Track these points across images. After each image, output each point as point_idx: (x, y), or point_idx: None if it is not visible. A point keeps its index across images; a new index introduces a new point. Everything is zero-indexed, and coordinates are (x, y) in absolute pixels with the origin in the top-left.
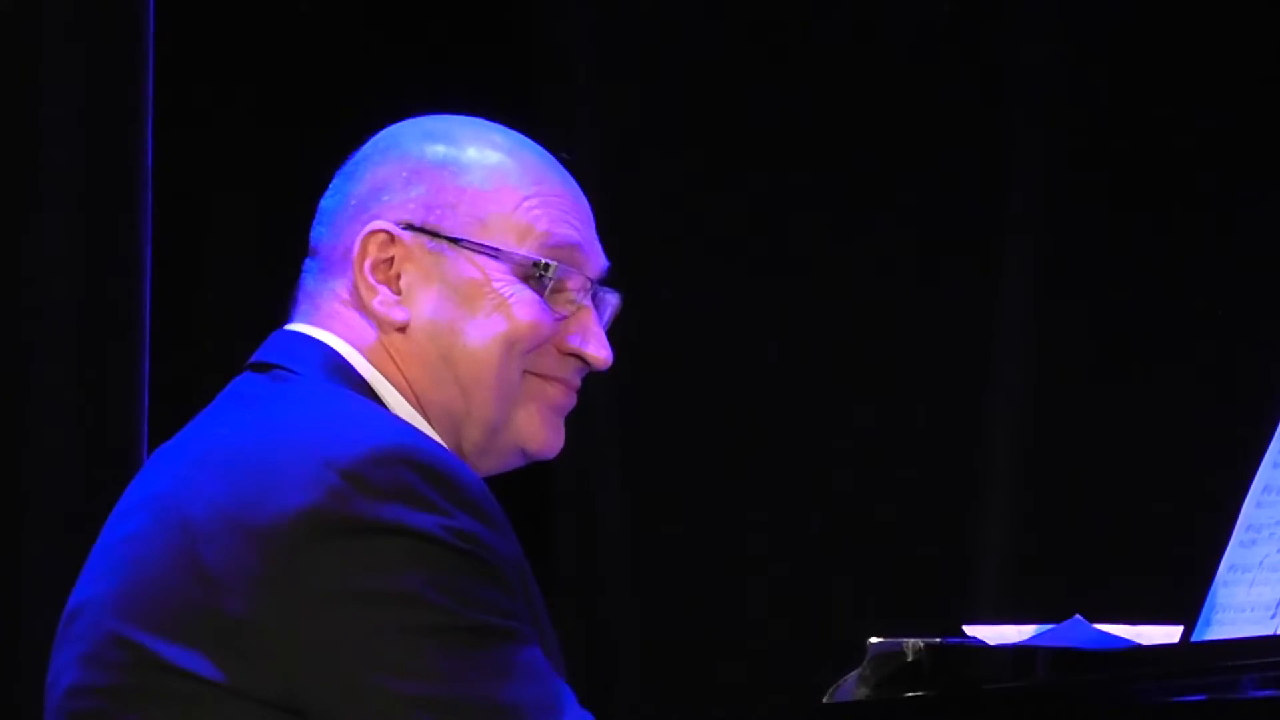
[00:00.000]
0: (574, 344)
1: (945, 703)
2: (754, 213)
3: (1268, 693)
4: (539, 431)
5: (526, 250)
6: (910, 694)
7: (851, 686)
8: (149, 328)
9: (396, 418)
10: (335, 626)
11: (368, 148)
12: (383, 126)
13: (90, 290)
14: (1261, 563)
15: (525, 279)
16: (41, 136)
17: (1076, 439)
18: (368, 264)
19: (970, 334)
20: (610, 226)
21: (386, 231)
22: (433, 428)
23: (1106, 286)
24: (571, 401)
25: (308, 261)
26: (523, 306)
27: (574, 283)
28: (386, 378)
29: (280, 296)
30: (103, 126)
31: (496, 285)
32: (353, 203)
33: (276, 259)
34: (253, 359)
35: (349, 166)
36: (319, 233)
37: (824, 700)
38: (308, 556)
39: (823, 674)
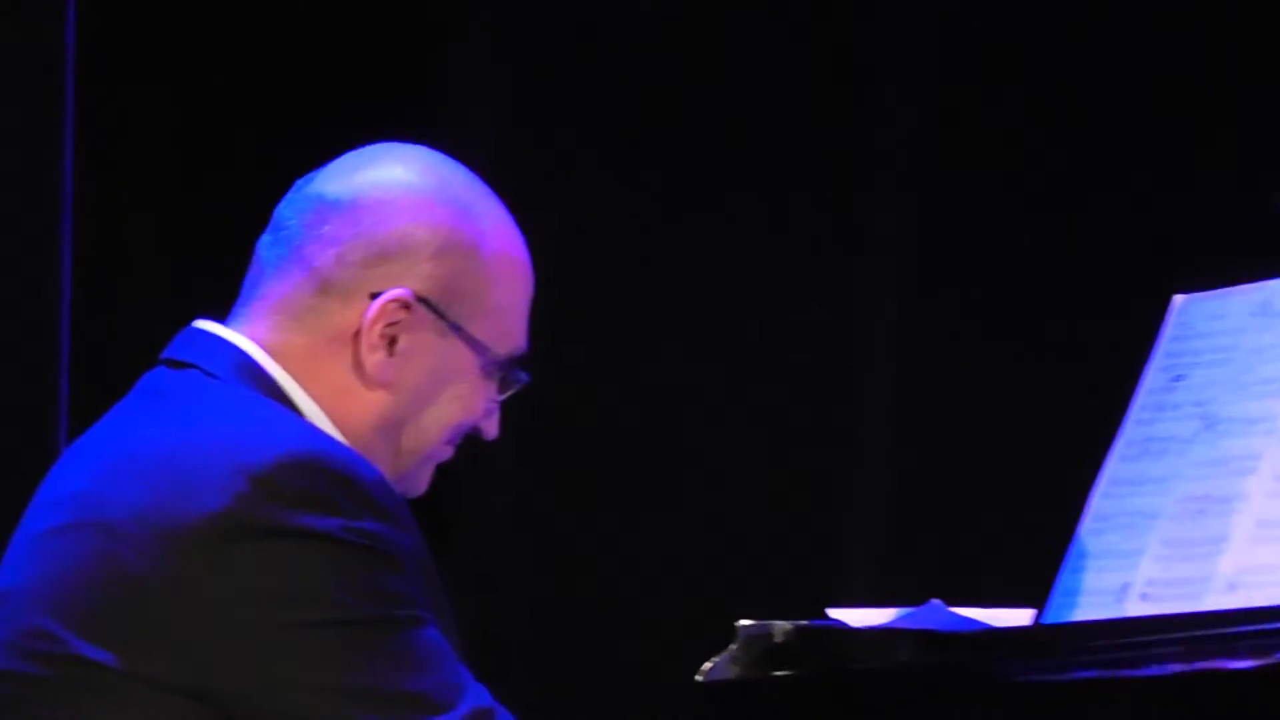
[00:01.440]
0: (481, 423)
1: (810, 681)
2: (630, 217)
3: (1114, 673)
4: (424, 485)
5: (504, 353)
6: (778, 673)
7: (723, 665)
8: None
9: (305, 423)
10: (247, 624)
11: (401, 179)
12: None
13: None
14: (1108, 550)
15: (487, 375)
16: None
17: (935, 437)
18: (381, 324)
19: (834, 337)
20: None
21: (405, 300)
22: (344, 440)
23: (970, 280)
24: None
25: (271, 250)
26: (477, 402)
27: (506, 376)
28: (314, 399)
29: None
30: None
31: (468, 376)
32: (376, 243)
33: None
34: (167, 354)
35: (370, 192)
36: (312, 239)
37: (697, 678)
38: (220, 558)
39: (697, 655)
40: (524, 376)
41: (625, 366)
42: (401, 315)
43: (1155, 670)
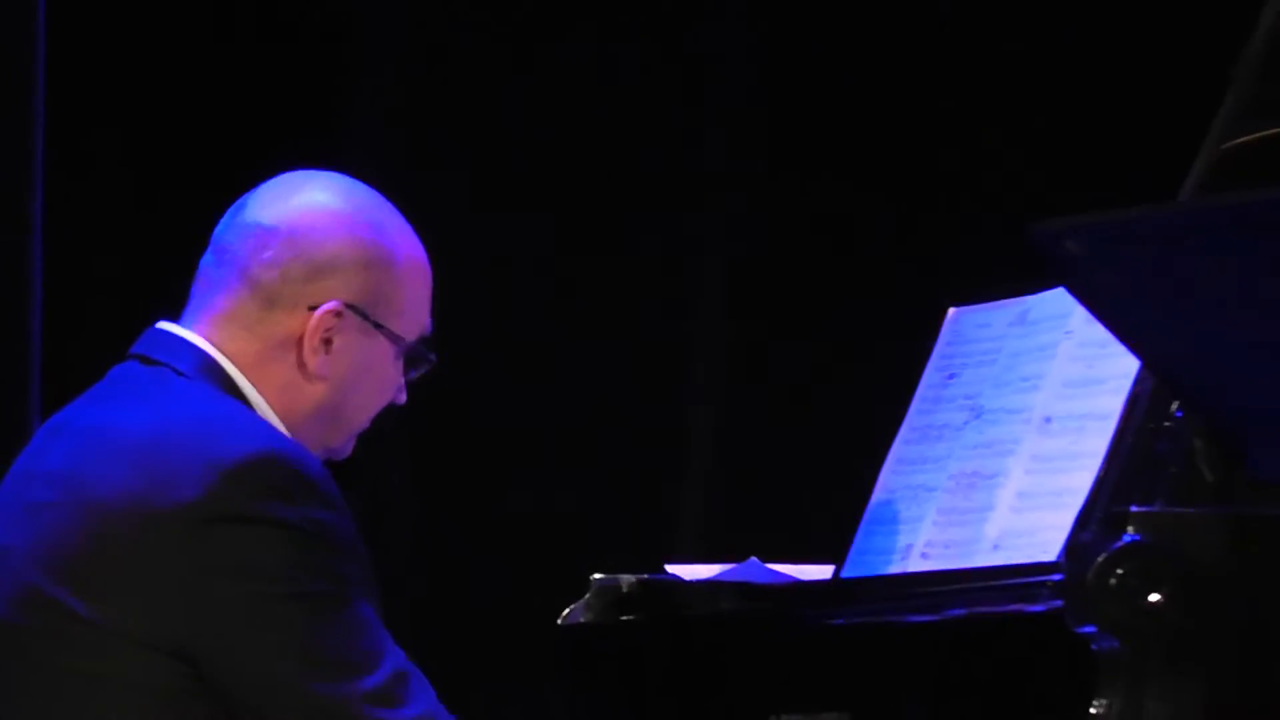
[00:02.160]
0: (393, 397)
1: (650, 625)
2: (494, 228)
3: (899, 618)
4: (349, 451)
5: (415, 340)
6: (624, 618)
7: (579, 611)
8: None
9: (263, 421)
10: (216, 594)
11: (324, 205)
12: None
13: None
14: (895, 517)
15: (399, 358)
16: None
17: (756, 426)
18: (321, 329)
19: (672, 327)
20: None
21: (336, 311)
22: (287, 431)
23: (790, 294)
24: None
25: (215, 268)
26: (395, 385)
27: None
28: (263, 396)
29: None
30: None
31: (388, 365)
32: (312, 265)
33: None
34: (136, 350)
35: (302, 221)
36: (255, 262)
37: (558, 622)
38: (196, 539)
39: (558, 604)
40: (432, 357)
41: (495, 359)
42: (335, 321)
43: (932, 615)
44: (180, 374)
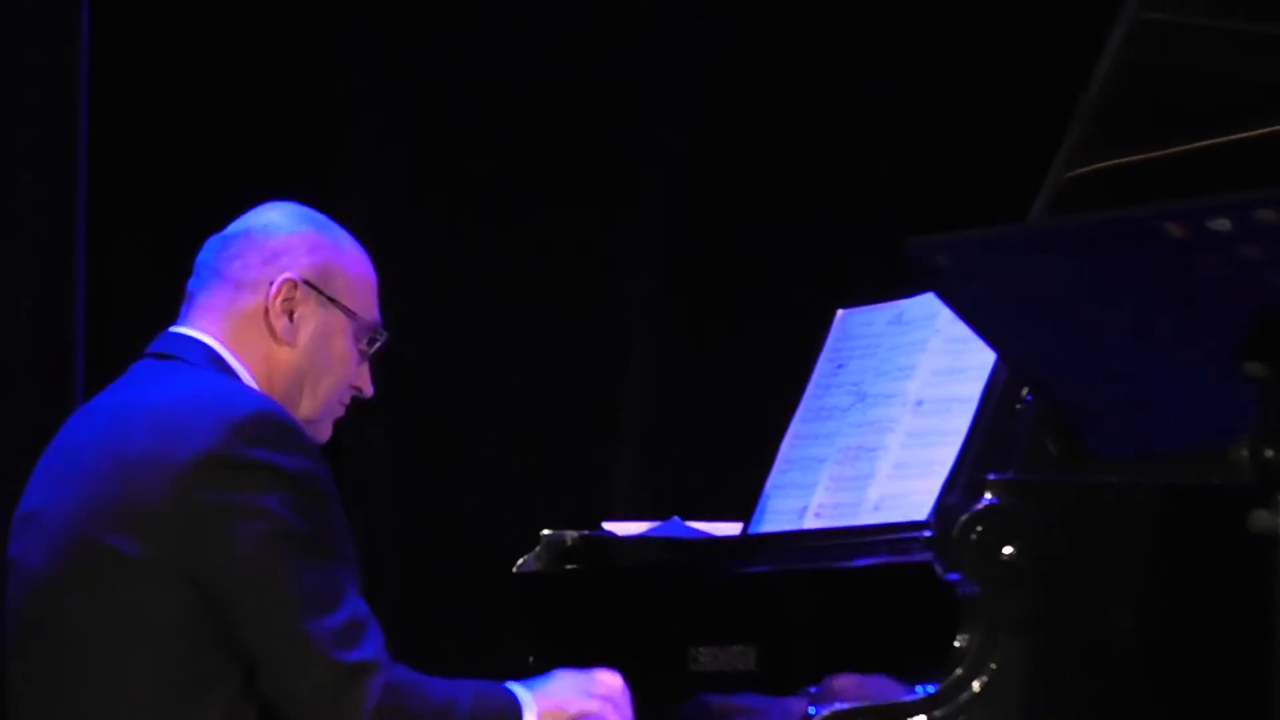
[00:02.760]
0: (358, 384)
1: (590, 574)
2: (459, 246)
3: (796, 566)
4: (326, 434)
5: (367, 319)
6: (568, 567)
7: (531, 562)
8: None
9: (253, 389)
10: (220, 528)
11: (275, 220)
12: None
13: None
14: (792, 484)
15: (356, 337)
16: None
17: (675, 410)
18: (280, 299)
19: (609, 311)
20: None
21: (292, 280)
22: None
23: (708, 294)
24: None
25: (201, 284)
26: (351, 360)
27: (371, 345)
28: (248, 368)
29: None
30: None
31: (345, 336)
32: (267, 252)
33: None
34: (152, 349)
35: (259, 229)
36: (224, 264)
37: (513, 571)
38: (205, 482)
39: (513, 556)
40: (384, 334)
41: (460, 354)
42: (294, 293)
43: (824, 564)
44: (189, 364)
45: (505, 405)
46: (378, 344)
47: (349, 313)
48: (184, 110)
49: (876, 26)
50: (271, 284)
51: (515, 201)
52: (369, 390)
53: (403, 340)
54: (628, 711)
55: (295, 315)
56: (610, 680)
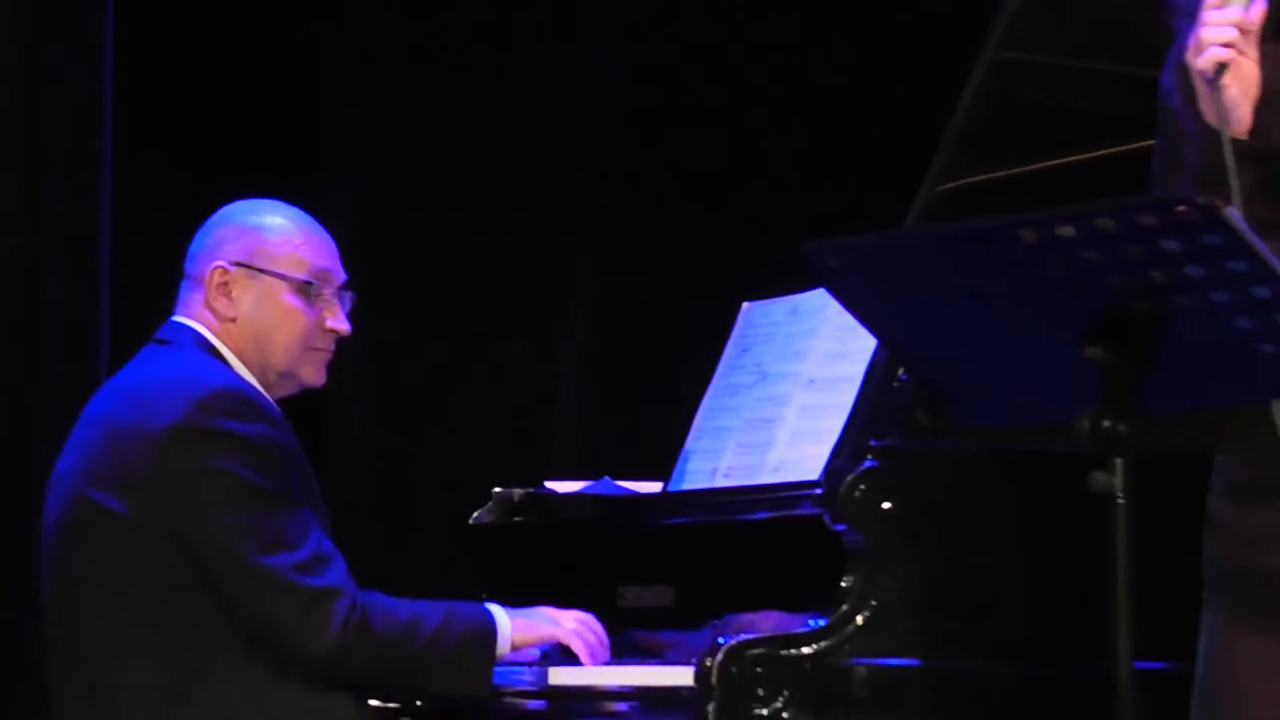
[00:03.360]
0: (330, 324)
1: (534, 525)
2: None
3: (707, 518)
4: (314, 377)
5: (300, 275)
6: (516, 519)
7: (484, 514)
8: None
9: (227, 369)
10: (190, 488)
11: (215, 219)
12: (222, 196)
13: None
14: (705, 450)
15: (299, 293)
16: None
17: (613, 376)
18: (215, 285)
19: (554, 303)
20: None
21: (223, 267)
22: (252, 374)
23: (645, 280)
24: (330, 357)
25: (183, 282)
26: (297, 312)
27: (327, 291)
28: (227, 346)
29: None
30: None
31: (287, 296)
32: (206, 249)
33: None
34: (156, 335)
35: (204, 230)
36: (189, 266)
37: (469, 522)
38: (176, 449)
39: (469, 509)
40: (330, 279)
41: (425, 338)
42: (227, 276)
43: (731, 517)
44: (178, 347)
45: (463, 380)
46: (327, 288)
47: (278, 276)
48: (214, 104)
49: (785, 67)
50: (205, 274)
51: (473, 198)
52: (344, 328)
53: (379, 323)
54: (603, 636)
55: (233, 292)
56: (583, 615)
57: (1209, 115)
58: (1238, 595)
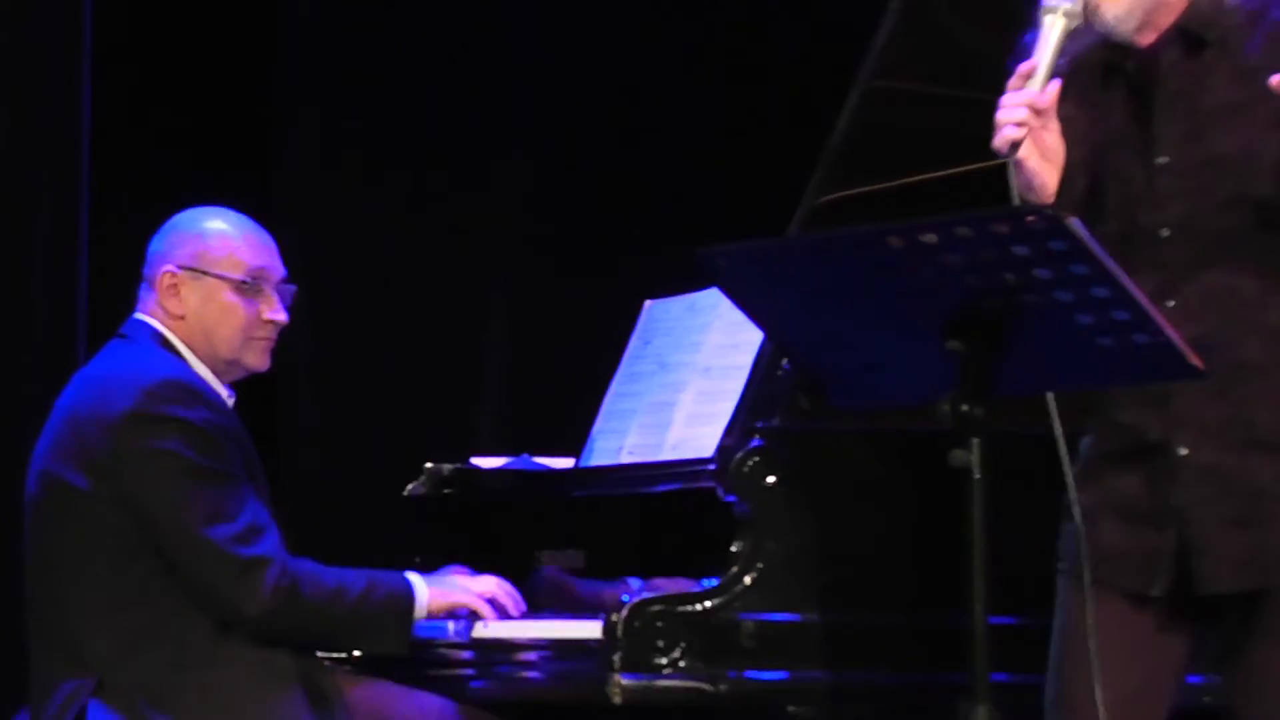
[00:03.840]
0: (268, 316)
1: (462, 497)
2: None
3: (612, 491)
4: (258, 362)
5: (238, 275)
6: (445, 492)
7: (417, 488)
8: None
9: (177, 360)
10: (141, 467)
11: (166, 227)
12: (177, 203)
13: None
14: (611, 430)
15: (238, 291)
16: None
17: (534, 362)
18: (166, 287)
19: (478, 300)
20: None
21: (172, 271)
22: (203, 363)
23: (567, 277)
24: (273, 344)
25: (141, 284)
26: (237, 308)
27: (266, 286)
28: (180, 340)
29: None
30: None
31: (225, 296)
32: (158, 255)
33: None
34: (119, 331)
35: (157, 237)
36: (145, 269)
37: (404, 494)
38: (128, 433)
39: (403, 483)
40: (266, 277)
41: (363, 326)
42: (175, 278)
43: (634, 490)
44: (135, 342)
45: (395, 365)
46: (266, 284)
47: (219, 277)
48: (200, 97)
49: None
50: (157, 277)
51: (408, 192)
52: (281, 318)
53: (321, 311)
54: (517, 596)
55: (180, 293)
56: (495, 579)
57: (1019, 186)
58: (1077, 564)
